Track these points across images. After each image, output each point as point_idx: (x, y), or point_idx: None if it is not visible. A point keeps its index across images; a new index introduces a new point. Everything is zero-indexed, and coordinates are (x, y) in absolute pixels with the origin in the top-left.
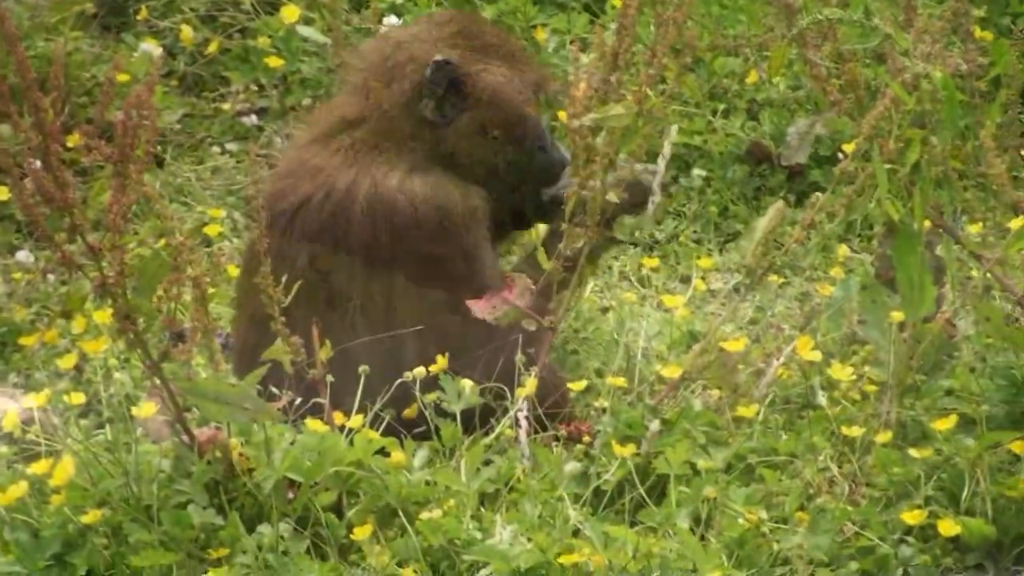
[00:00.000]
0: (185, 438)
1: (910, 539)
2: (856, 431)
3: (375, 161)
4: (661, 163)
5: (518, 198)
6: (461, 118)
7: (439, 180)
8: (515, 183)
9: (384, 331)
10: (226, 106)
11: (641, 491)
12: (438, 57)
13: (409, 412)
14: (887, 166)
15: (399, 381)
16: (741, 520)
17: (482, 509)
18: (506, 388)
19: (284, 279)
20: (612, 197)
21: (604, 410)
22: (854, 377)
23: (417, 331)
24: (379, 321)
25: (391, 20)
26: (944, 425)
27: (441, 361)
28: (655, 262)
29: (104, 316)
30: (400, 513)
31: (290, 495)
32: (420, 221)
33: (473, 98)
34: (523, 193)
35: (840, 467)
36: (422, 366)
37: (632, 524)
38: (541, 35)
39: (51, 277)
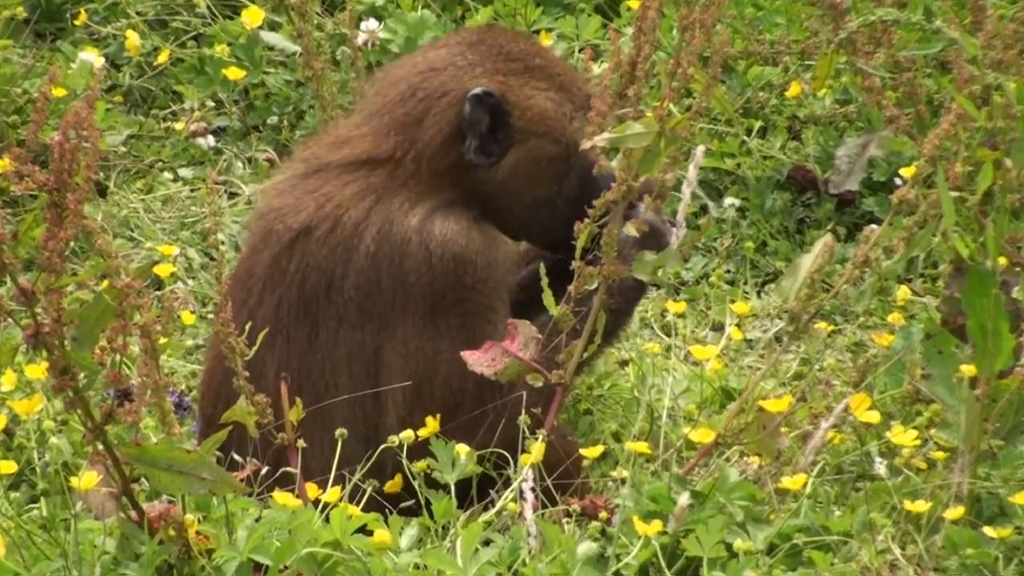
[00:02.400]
0: (133, 514)
1: None
2: (922, 506)
3: (398, 197)
4: (686, 190)
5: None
6: (509, 155)
7: (463, 222)
8: (572, 219)
9: (369, 387)
10: (179, 125)
11: None
12: (476, 89)
13: (391, 486)
14: (954, 194)
15: (383, 447)
16: None
17: None
18: (508, 455)
19: (249, 326)
20: (630, 230)
21: (623, 481)
22: (918, 442)
23: (406, 394)
24: (363, 375)
25: (370, 24)
26: None
27: (432, 424)
28: (682, 307)
29: (38, 371)
30: None
31: None
32: (433, 267)
33: (522, 131)
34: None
35: (903, 548)
36: (410, 430)
37: None
38: (546, 40)
39: None
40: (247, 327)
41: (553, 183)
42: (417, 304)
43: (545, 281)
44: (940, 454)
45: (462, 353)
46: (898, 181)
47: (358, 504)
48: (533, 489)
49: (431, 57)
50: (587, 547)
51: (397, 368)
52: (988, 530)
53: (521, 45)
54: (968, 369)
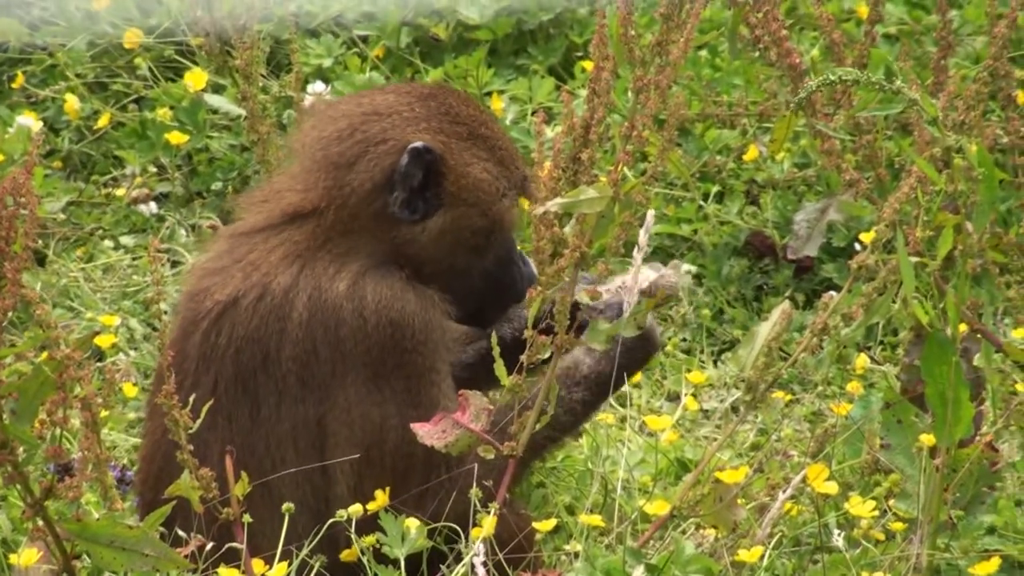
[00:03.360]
0: None
1: None
2: None
3: (322, 259)
4: (638, 256)
5: (482, 313)
6: (434, 217)
7: (395, 285)
8: (484, 295)
9: (316, 461)
10: (120, 192)
11: None
12: (417, 143)
13: (346, 556)
14: (914, 259)
15: (331, 521)
16: None
17: None
18: (459, 529)
19: (193, 399)
20: (584, 298)
21: (577, 555)
22: (877, 513)
23: (354, 463)
24: (310, 449)
25: (317, 86)
26: (985, 570)
27: (381, 497)
28: (636, 377)
29: None
30: None
31: None
32: (369, 335)
33: (452, 196)
34: (489, 307)
35: None
36: (359, 503)
37: None
38: (498, 104)
39: None
40: (191, 401)
41: (472, 255)
42: (358, 371)
43: (497, 351)
44: (899, 525)
45: (412, 425)
46: (857, 247)
47: None
48: (485, 563)
49: (378, 101)
50: None
51: (343, 437)
52: None
53: (470, 111)
54: (927, 438)
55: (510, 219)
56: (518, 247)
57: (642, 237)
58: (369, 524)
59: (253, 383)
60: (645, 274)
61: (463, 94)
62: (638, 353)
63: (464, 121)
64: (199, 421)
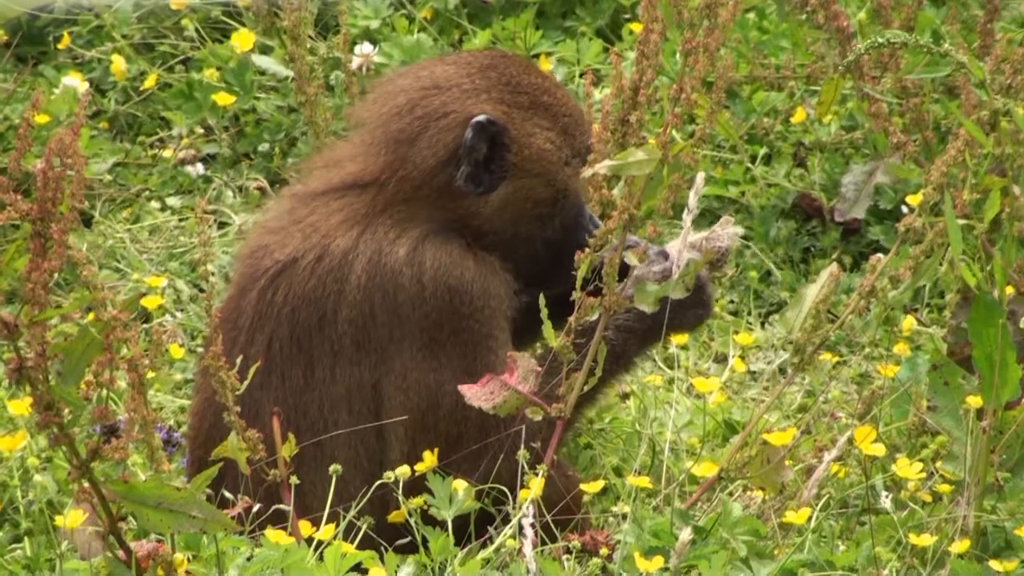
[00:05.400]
0: (120, 553)
1: None
2: (927, 540)
3: (382, 224)
4: (687, 218)
5: (547, 277)
6: (499, 189)
7: (454, 252)
8: (549, 261)
9: (370, 423)
10: (166, 153)
11: None
12: (481, 116)
13: (394, 517)
14: (961, 221)
15: (378, 483)
16: None
17: None
18: (507, 491)
19: (241, 359)
20: (631, 259)
21: (624, 516)
22: (924, 475)
23: (408, 428)
24: (364, 412)
25: (364, 48)
26: None
27: (429, 459)
28: (684, 338)
29: (22, 406)
30: None
31: None
32: (427, 300)
33: (516, 167)
34: (555, 272)
35: None
36: (407, 466)
37: None
38: (546, 65)
39: None
40: (238, 362)
41: (536, 224)
42: (414, 337)
43: (545, 312)
44: (946, 487)
45: (460, 387)
46: (904, 209)
47: (354, 541)
48: (532, 525)
49: (437, 73)
50: None
51: (398, 402)
52: (994, 564)
53: (532, 79)
54: (974, 400)
55: (575, 187)
56: (587, 211)
57: (692, 199)
58: (420, 487)
59: (308, 343)
60: (694, 237)
61: (525, 61)
62: (688, 310)
63: (525, 90)
64: (246, 383)
